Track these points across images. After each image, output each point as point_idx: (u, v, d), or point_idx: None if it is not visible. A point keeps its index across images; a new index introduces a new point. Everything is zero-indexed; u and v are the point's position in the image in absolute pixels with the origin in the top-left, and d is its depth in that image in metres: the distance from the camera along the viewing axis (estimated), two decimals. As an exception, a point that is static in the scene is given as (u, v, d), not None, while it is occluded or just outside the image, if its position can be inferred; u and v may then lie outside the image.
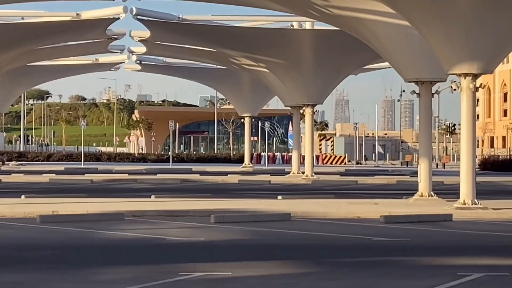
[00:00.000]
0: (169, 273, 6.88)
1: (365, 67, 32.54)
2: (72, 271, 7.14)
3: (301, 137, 34.60)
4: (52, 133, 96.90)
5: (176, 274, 6.67)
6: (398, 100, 73.26)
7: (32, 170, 36.27)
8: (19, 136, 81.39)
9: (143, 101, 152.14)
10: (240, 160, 45.67)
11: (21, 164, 44.98)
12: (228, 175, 30.19)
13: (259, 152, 54.51)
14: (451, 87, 24.68)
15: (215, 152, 67.14)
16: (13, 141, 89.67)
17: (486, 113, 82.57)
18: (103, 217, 13.25)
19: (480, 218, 14.24)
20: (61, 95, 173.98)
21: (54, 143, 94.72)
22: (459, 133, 19.64)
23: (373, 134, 73.55)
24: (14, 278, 6.48)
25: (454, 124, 69.53)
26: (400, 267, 7.85)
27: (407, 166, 51.77)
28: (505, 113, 79.53)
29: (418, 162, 21.12)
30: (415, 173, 24.57)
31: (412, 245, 10.35)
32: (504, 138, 77.03)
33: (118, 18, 24.46)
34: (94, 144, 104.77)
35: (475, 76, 14.42)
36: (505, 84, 78.73)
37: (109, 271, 7.17)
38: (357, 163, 51.06)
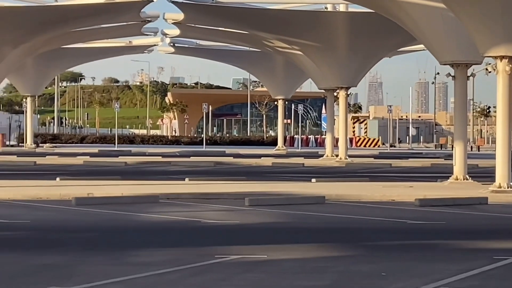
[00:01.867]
0: (205, 255, 6.99)
1: (399, 49, 32.29)
2: (109, 253, 7.32)
3: (335, 119, 34.62)
4: (86, 116, 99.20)
5: (212, 257, 6.76)
6: (432, 83, 72.70)
7: (66, 152, 37.15)
8: (53, 119, 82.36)
9: (176, 84, 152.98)
10: (274, 142, 46.13)
11: (55, 147, 46.02)
12: (262, 158, 30.43)
13: (292, 134, 54.68)
14: (486, 69, 23.97)
15: (248, 134, 68.12)
16: (47, 123, 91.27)
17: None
18: (138, 199, 13.46)
19: (516, 201, 14.33)
20: (94, 78, 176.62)
21: (88, 125, 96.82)
22: (494, 116, 19.66)
23: (406, 116, 73.09)
24: (52, 260, 6.72)
25: (489, 107, 70.34)
26: (435, 250, 7.85)
27: (441, 148, 52.10)
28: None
29: (452, 145, 20.99)
30: (449, 156, 24.52)
31: (447, 229, 10.44)
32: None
33: (152, 1, 24.61)
34: (127, 126, 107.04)
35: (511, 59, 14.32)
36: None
37: (146, 253, 7.32)
38: (390, 146, 51.16)
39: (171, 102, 78.74)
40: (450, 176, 17.60)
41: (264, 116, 63.30)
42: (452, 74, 17.76)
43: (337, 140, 31.12)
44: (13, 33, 26.21)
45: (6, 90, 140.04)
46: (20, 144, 45.77)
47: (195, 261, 6.53)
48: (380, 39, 26.18)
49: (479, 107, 73.02)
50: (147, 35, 36.89)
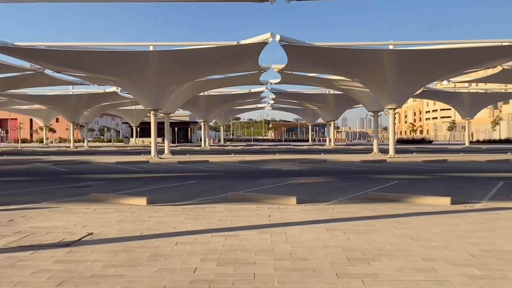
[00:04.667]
0: (283, 180, 15.66)
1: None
2: (249, 179, 16.05)
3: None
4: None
5: (285, 181, 15.45)
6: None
7: (218, 145, 48.22)
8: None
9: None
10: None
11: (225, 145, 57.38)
12: (322, 153, 37.84)
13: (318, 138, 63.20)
14: (385, 112, 41.17)
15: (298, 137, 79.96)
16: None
17: None
18: (258, 162, 22.46)
19: None
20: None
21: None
22: (387, 130, 28.70)
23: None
24: (228, 182, 15.69)
25: (386, 127, 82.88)
26: (367, 179, 14.72)
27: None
28: None
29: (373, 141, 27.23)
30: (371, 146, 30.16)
31: (371, 171, 15.26)
32: None
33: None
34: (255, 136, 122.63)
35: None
36: None
37: (264, 180, 15.74)
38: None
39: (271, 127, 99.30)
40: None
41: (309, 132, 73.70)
42: (372, 114, 31.69)
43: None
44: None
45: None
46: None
47: (279, 182, 15.24)
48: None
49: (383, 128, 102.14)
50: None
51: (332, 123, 57.82)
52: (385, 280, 4.78)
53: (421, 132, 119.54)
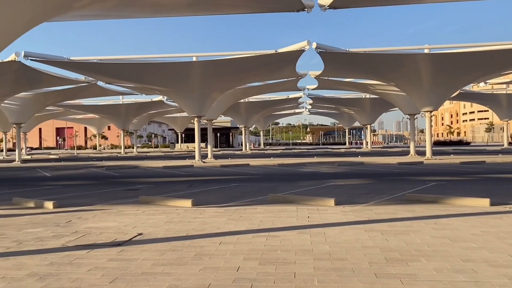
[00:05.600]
0: (321, 182, 15.50)
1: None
2: (288, 182, 16.01)
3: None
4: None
5: (323, 183, 15.29)
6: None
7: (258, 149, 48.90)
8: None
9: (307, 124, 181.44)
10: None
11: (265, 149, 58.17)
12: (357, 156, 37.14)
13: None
14: (422, 115, 42.08)
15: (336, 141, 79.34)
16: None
17: None
18: (296, 165, 22.44)
19: None
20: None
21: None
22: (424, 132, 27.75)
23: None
24: (268, 185, 15.71)
25: (422, 129, 77.18)
26: (405, 180, 14.17)
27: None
28: None
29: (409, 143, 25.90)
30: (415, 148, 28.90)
31: (408, 172, 14.95)
32: None
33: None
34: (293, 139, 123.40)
35: None
36: None
37: (303, 182, 15.68)
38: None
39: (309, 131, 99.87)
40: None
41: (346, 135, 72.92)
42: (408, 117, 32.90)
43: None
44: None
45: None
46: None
47: (318, 184, 15.11)
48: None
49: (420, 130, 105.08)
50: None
51: (368, 126, 56.77)
52: (424, 281, 4.64)
53: (458, 134, 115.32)
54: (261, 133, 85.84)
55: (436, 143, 72.36)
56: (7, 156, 47.25)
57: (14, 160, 36.24)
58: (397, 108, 44.00)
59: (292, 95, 48.49)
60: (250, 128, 62.67)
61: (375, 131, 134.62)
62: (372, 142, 76.23)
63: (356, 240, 6.53)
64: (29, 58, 25.15)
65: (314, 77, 33.02)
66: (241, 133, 69.09)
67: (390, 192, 12.46)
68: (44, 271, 5.19)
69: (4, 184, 17.91)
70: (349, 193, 12.56)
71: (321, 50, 25.18)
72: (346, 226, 7.54)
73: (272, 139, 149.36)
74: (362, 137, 72.17)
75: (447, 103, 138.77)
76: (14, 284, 4.74)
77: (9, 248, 6.45)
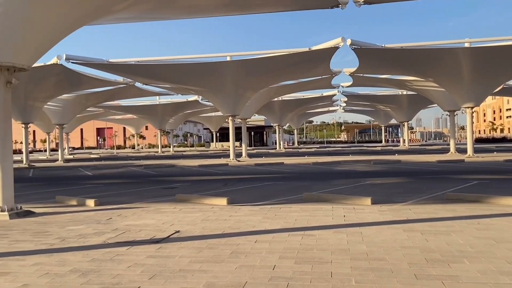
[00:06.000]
0: (356, 181, 15.23)
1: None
2: (324, 180, 15.89)
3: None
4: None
5: (359, 181, 15.02)
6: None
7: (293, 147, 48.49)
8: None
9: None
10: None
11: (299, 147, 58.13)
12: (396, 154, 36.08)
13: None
14: (462, 112, 37.08)
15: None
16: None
17: None
18: (331, 163, 22.15)
19: None
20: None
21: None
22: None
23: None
24: (302, 184, 15.58)
25: (463, 126, 71.79)
26: (445, 179, 13.35)
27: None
28: None
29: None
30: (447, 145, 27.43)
31: (449, 171, 14.14)
32: None
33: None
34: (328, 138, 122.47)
35: None
36: None
37: (338, 181, 15.48)
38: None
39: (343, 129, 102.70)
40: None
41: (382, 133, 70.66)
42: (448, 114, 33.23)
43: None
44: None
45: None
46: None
47: (353, 183, 14.86)
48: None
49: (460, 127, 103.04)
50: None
51: (405, 123, 55.35)
52: (467, 283, 4.46)
53: (502, 130, 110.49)
54: (295, 131, 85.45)
55: (478, 141, 69.77)
56: (51, 156, 49.19)
57: (57, 160, 37.68)
58: (436, 105, 42.65)
59: (326, 92, 47.98)
60: (284, 127, 62.44)
61: (413, 128, 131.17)
62: (410, 139, 74.37)
63: (395, 240, 6.37)
64: (70, 61, 26.06)
65: (349, 74, 32.45)
66: (275, 132, 68.92)
67: (429, 191, 12.11)
68: (86, 267, 5.35)
69: (48, 183, 18.66)
70: (386, 192, 12.30)
71: (355, 47, 24.76)
72: (383, 226, 7.38)
73: (306, 137, 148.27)
74: (399, 134, 70.44)
75: (489, 99, 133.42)
76: (58, 280, 4.92)
77: (53, 244, 6.69)
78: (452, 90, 29.66)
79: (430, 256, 5.45)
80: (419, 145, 64.12)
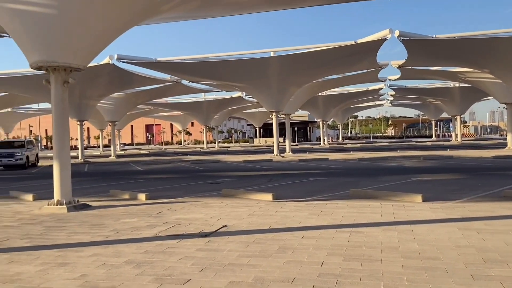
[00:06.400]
0: (406, 177, 14.77)
1: None
2: (370, 177, 15.53)
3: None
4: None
5: (408, 178, 14.56)
6: None
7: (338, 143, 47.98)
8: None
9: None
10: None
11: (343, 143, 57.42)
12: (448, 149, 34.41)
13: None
14: None
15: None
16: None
17: None
18: (378, 159, 21.65)
19: None
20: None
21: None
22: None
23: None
24: (349, 180, 15.27)
25: None
26: (502, 175, 13.51)
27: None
28: None
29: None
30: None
31: (503, 167, 16.15)
32: None
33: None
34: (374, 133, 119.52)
35: None
36: None
37: (385, 177, 15.08)
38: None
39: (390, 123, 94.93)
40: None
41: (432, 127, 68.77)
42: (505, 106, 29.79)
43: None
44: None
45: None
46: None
47: (403, 179, 14.43)
48: None
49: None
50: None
51: (458, 117, 53.05)
52: (530, 286, 4.22)
53: None
54: (340, 126, 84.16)
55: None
56: (104, 151, 51.31)
57: (110, 155, 39.26)
58: (491, 97, 40.51)
59: (373, 86, 46.79)
60: (328, 122, 61.66)
61: (466, 122, 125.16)
62: (463, 134, 71.15)
63: (449, 238, 6.13)
64: (121, 60, 27.01)
65: (397, 67, 31.57)
66: (318, 127, 68.30)
67: (485, 188, 11.55)
68: (140, 259, 5.54)
69: (102, 177, 19.48)
70: (438, 189, 11.86)
71: (404, 38, 23.98)
72: (436, 224, 7.12)
73: (351, 132, 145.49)
74: (451, 129, 67.38)
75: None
76: (114, 270, 5.12)
77: (109, 236, 6.98)
78: (510, 81, 28.28)
79: (488, 256, 5.20)
80: (473, 140, 61.34)
